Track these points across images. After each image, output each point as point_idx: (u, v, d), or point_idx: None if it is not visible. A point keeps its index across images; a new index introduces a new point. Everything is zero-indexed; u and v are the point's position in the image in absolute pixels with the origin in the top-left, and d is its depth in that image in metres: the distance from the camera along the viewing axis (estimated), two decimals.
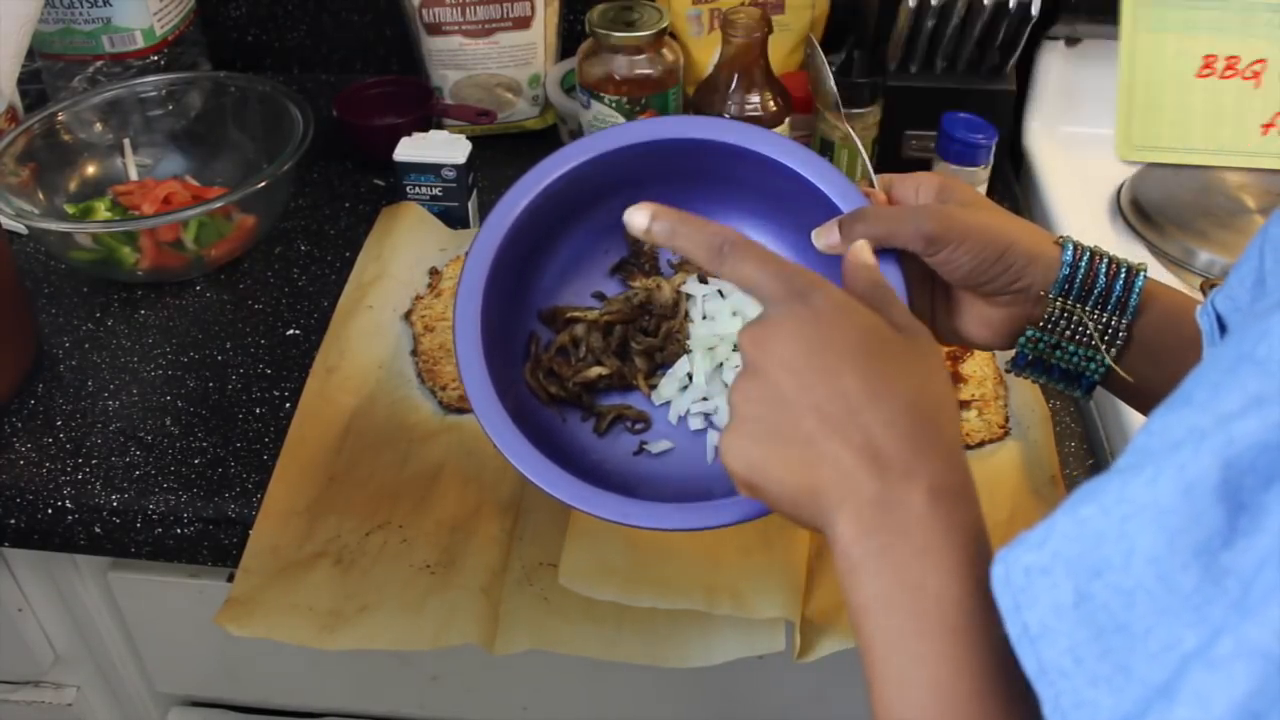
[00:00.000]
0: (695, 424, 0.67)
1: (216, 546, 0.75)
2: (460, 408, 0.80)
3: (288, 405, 0.81)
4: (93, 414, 0.81)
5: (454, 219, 0.97)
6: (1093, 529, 0.33)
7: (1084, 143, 1.06)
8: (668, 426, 0.68)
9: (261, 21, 1.21)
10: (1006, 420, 0.80)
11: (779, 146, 0.63)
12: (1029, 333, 0.59)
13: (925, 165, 0.95)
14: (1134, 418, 0.76)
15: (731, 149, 0.64)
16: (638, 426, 0.68)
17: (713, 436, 0.67)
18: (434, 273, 0.92)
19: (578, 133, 1.00)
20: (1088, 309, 0.58)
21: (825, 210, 0.61)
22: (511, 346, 0.68)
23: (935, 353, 0.50)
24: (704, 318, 0.69)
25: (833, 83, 0.75)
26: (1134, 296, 0.57)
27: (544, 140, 1.13)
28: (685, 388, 0.68)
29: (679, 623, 0.70)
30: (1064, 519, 0.35)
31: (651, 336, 0.70)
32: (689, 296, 0.71)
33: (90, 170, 1.01)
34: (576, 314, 0.70)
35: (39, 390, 0.83)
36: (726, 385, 0.68)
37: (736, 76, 0.91)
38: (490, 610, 0.70)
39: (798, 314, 0.47)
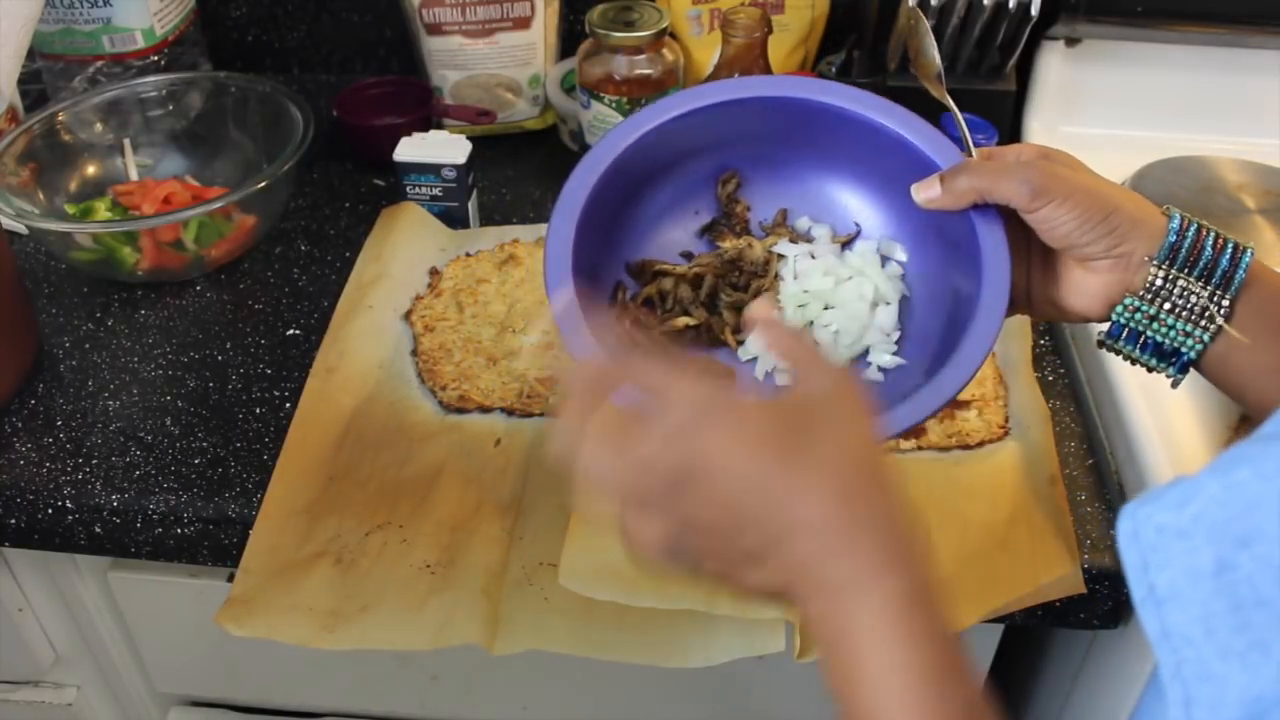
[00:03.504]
0: (781, 379, 0.66)
1: (216, 546, 0.75)
2: (460, 408, 0.80)
3: (288, 405, 0.81)
4: (93, 414, 0.81)
5: (454, 219, 0.97)
6: (1246, 495, 0.31)
7: (1084, 143, 1.05)
8: (753, 383, 0.67)
9: (261, 21, 1.21)
10: (1006, 420, 0.80)
11: (878, 107, 0.63)
12: (1128, 300, 0.57)
13: None
14: (1134, 418, 0.76)
15: (827, 109, 0.63)
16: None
17: None
18: (434, 273, 0.92)
19: (578, 133, 1.00)
20: (1193, 278, 0.55)
21: (924, 170, 0.61)
22: (597, 294, 0.67)
23: (846, 411, 0.46)
24: (795, 277, 0.69)
25: (936, 52, 0.72)
26: (1240, 272, 0.55)
27: (544, 140, 1.14)
28: None
29: (679, 623, 0.70)
30: (1212, 481, 0.33)
31: (741, 292, 0.69)
32: (780, 257, 0.69)
33: (90, 170, 1.01)
34: (665, 268, 0.69)
35: (39, 390, 0.83)
36: (817, 343, 0.67)
37: (736, 76, 0.91)
38: (490, 610, 0.70)
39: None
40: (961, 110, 0.92)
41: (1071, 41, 1.04)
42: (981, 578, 0.70)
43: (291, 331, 0.88)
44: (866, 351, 0.67)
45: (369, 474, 0.76)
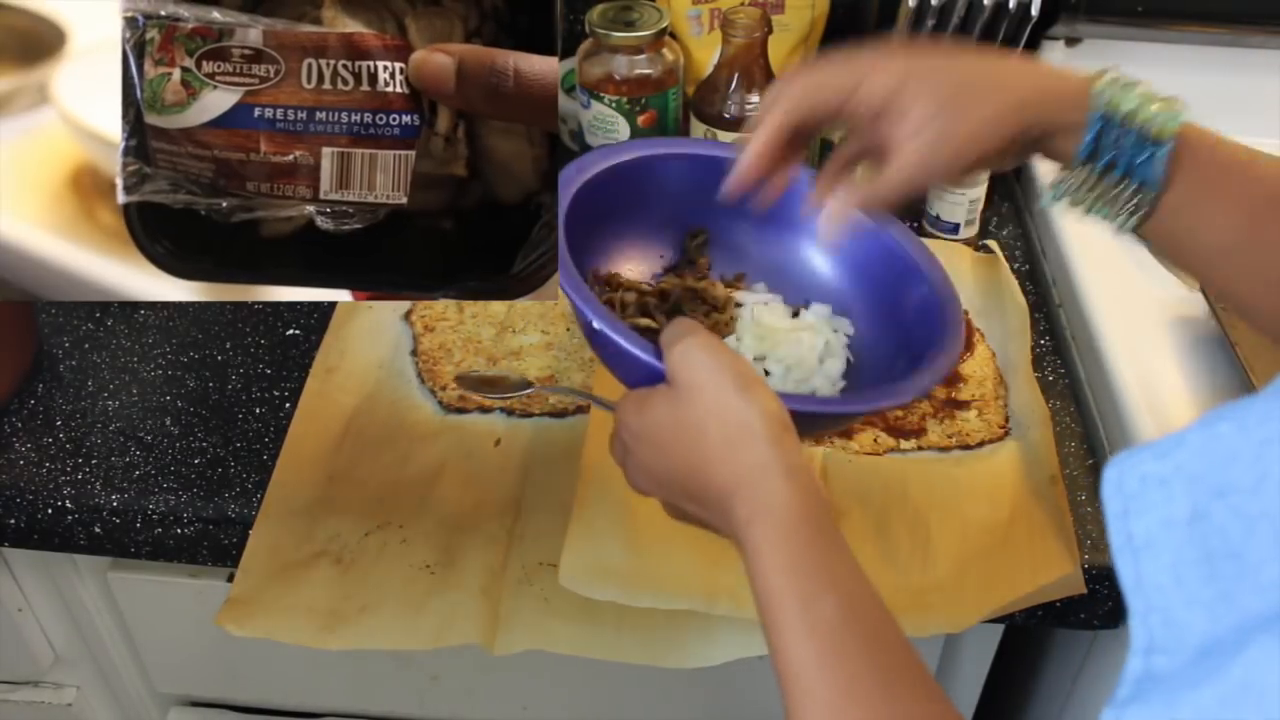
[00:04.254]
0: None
1: (216, 546, 0.75)
2: (460, 408, 0.80)
3: (288, 405, 0.81)
4: (93, 414, 0.81)
5: None
6: (1225, 446, 0.32)
7: None
8: None
9: None
10: (1006, 420, 0.80)
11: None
12: (1057, 187, 0.57)
13: None
14: (1134, 418, 0.76)
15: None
16: None
17: None
18: None
19: (578, 133, 1.00)
20: (1115, 175, 0.55)
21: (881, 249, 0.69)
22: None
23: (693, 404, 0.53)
24: (752, 317, 0.72)
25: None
26: (1158, 168, 0.54)
27: None
28: None
29: (679, 623, 0.70)
30: (1196, 432, 0.33)
31: (702, 317, 0.72)
32: (739, 305, 0.73)
33: None
34: (634, 282, 0.71)
35: (39, 390, 0.83)
36: (768, 375, 0.70)
37: (736, 76, 0.91)
38: (490, 610, 0.70)
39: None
40: None
41: (1071, 41, 1.04)
42: (981, 578, 0.70)
43: (291, 331, 0.88)
44: None
45: (369, 474, 0.76)
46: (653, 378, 0.57)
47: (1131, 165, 0.55)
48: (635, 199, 0.72)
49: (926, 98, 0.54)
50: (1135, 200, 0.55)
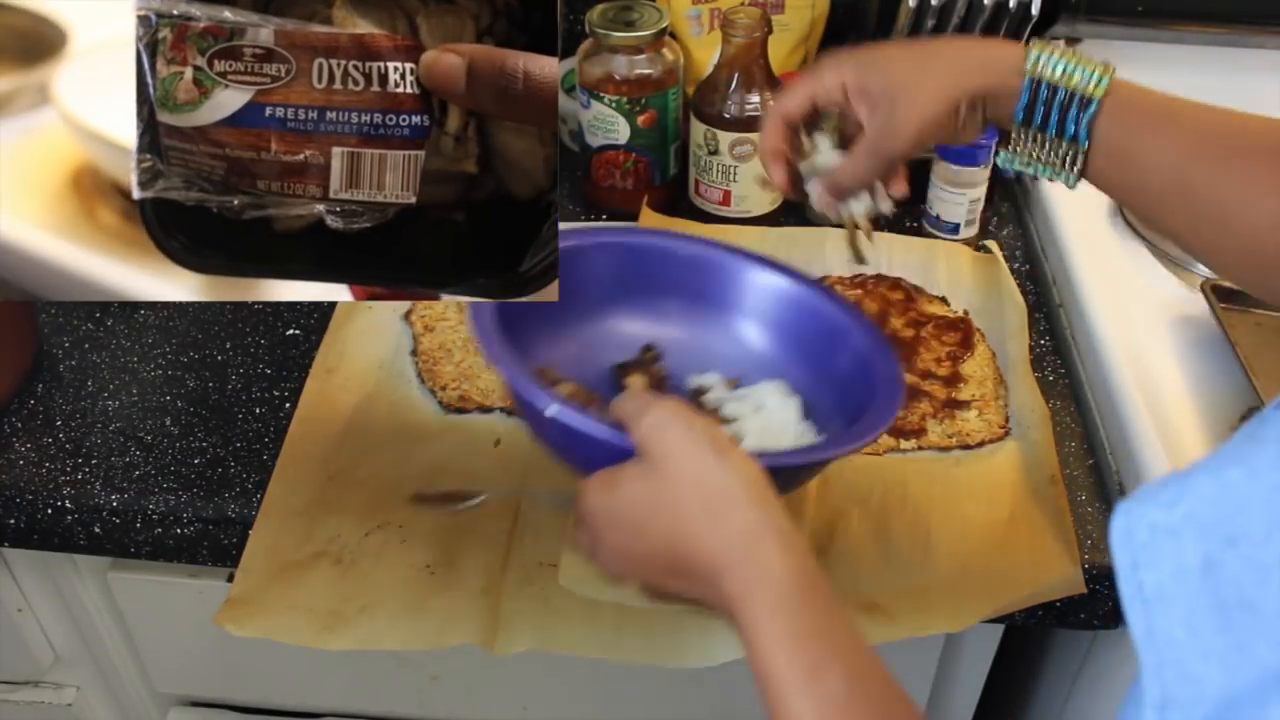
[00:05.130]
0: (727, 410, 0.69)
1: (216, 546, 0.75)
2: (460, 408, 0.80)
3: (288, 405, 0.81)
4: (93, 414, 0.81)
5: None
6: (1235, 494, 0.31)
7: None
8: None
9: None
10: (1006, 420, 0.80)
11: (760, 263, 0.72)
12: (1004, 154, 0.65)
13: (925, 165, 0.95)
14: (1134, 418, 0.76)
15: (714, 260, 0.72)
16: None
17: None
18: None
19: (578, 133, 1.00)
20: (1049, 136, 0.61)
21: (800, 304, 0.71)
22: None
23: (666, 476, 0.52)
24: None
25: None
26: (1083, 129, 0.60)
27: None
28: None
29: (679, 623, 0.70)
30: (1203, 479, 0.33)
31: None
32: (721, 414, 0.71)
33: None
34: (567, 378, 0.68)
35: (39, 390, 0.83)
36: None
37: (736, 76, 0.91)
38: (490, 610, 0.70)
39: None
40: None
41: (1071, 41, 1.04)
42: (981, 578, 0.70)
43: (291, 331, 0.88)
44: None
45: (369, 474, 0.76)
46: (618, 459, 0.54)
47: (1063, 123, 0.60)
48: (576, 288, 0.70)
49: (879, 82, 0.63)
50: (1070, 155, 0.61)
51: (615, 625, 0.70)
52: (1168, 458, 0.73)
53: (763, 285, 0.73)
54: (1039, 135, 0.62)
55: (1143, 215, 0.63)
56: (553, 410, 0.56)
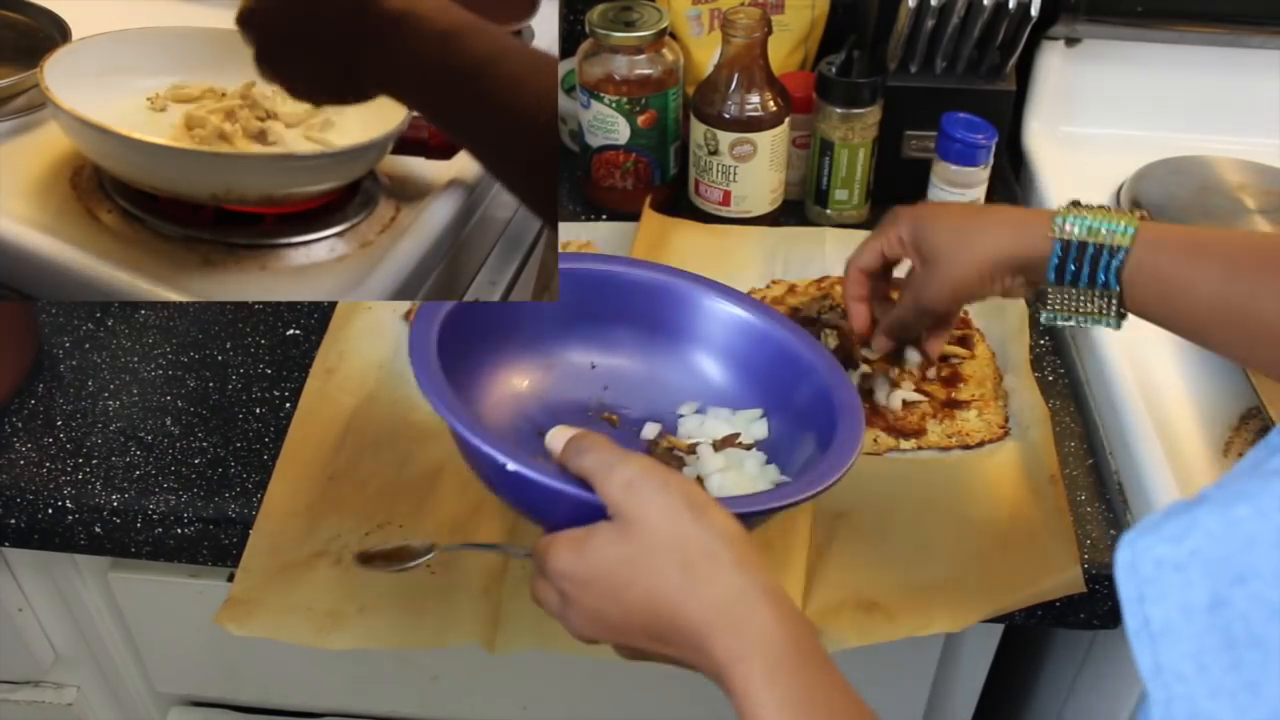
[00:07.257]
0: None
1: (216, 546, 0.75)
2: None
3: (288, 405, 0.81)
4: (93, 414, 0.81)
5: None
6: (1244, 532, 0.31)
7: (1084, 143, 1.06)
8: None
9: None
10: (1006, 420, 0.80)
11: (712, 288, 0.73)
12: (1044, 313, 0.66)
13: (925, 165, 0.95)
14: (1134, 418, 0.76)
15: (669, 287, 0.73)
16: None
17: None
18: None
19: (578, 133, 1.00)
20: (1080, 288, 0.64)
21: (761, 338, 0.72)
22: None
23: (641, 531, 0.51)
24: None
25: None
26: (1113, 276, 0.62)
27: None
28: None
29: None
30: (1211, 515, 0.33)
31: None
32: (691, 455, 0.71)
33: None
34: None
35: (39, 390, 0.83)
36: None
37: (736, 76, 0.91)
38: (490, 610, 0.70)
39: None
40: (962, 110, 0.93)
41: (1071, 41, 1.04)
42: (981, 578, 0.70)
43: (291, 331, 0.88)
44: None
45: (369, 474, 0.76)
46: (584, 515, 0.52)
47: (1094, 274, 0.62)
48: (497, 331, 0.70)
49: (929, 240, 0.70)
50: (1105, 301, 0.63)
51: None
52: (1167, 458, 0.73)
53: (719, 313, 0.73)
54: (1073, 289, 0.64)
55: (1202, 343, 0.64)
56: (513, 467, 0.54)
